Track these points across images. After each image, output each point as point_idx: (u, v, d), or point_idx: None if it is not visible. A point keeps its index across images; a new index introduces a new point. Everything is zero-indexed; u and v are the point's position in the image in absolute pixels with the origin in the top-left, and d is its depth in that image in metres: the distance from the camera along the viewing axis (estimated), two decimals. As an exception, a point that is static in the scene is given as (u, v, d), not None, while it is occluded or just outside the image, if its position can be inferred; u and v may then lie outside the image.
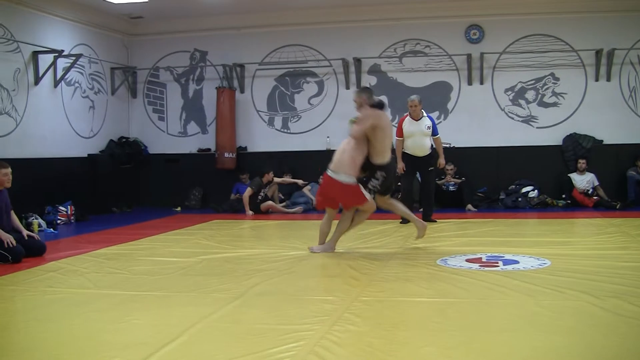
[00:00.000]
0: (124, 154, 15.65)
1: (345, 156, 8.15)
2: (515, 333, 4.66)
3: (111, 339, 4.72)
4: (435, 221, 11.34)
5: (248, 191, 13.78)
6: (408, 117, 11.33)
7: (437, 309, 5.35)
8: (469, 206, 13.72)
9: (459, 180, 14.13)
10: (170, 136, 16.50)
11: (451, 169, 14.23)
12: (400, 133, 11.31)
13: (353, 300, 5.64)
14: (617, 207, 13.21)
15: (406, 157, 11.32)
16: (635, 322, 4.83)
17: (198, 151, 16.13)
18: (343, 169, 8.10)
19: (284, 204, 14.37)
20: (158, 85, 16.57)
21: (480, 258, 7.77)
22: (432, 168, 11.60)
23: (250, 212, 13.61)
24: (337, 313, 5.21)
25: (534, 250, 8.18)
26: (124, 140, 15.97)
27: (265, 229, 11.53)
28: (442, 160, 11.57)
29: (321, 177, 8.70)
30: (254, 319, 5.14)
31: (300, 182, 14.58)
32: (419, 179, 12.17)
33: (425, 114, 11.39)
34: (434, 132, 11.39)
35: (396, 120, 13.01)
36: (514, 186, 14.45)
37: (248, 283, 6.50)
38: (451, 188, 14.17)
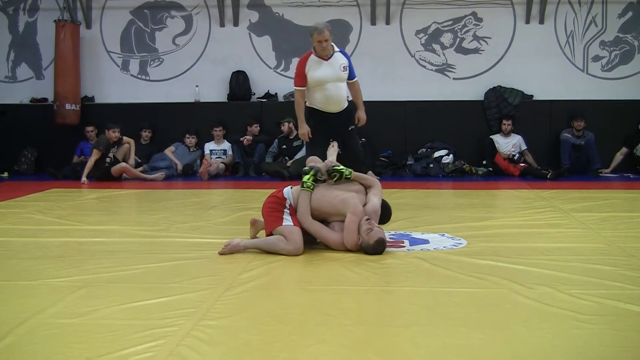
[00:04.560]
0: None
1: None
2: (424, 328, 4.73)
3: None
4: None
5: (95, 154, 13.59)
6: (312, 55, 9.36)
7: (329, 299, 5.41)
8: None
9: (359, 142, 14.27)
10: (-6, 82, 16.10)
11: (350, 129, 14.27)
12: (302, 81, 9.42)
13: (226, 289, 5.65)
14: (548, 176, 13.63)
15: (315, 115, 9.59)
16: (567, 314, 4.95)
17: (31, 101, 15.80)
18: None
19: (140, 168, 14.22)
20: (-22, 16, 16.11)
21: (382, 237, 7.87)
22: (353, 127, 9.87)
23: (85, 180, 13.40)
24: (206, 304, 5.21)
25: (448, 228, 8.36)
26: None
27: (117, 200, 11.41)
28: (362, 114, 9.93)
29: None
30: (102, 313, 5.08)
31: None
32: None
33: (337, 49, 9.52)
34: (352, 75, 9.72)
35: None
36: (424, 150, 14.69)
37: (95, 268, 6.43)
38: (349, 151, 14.27)
